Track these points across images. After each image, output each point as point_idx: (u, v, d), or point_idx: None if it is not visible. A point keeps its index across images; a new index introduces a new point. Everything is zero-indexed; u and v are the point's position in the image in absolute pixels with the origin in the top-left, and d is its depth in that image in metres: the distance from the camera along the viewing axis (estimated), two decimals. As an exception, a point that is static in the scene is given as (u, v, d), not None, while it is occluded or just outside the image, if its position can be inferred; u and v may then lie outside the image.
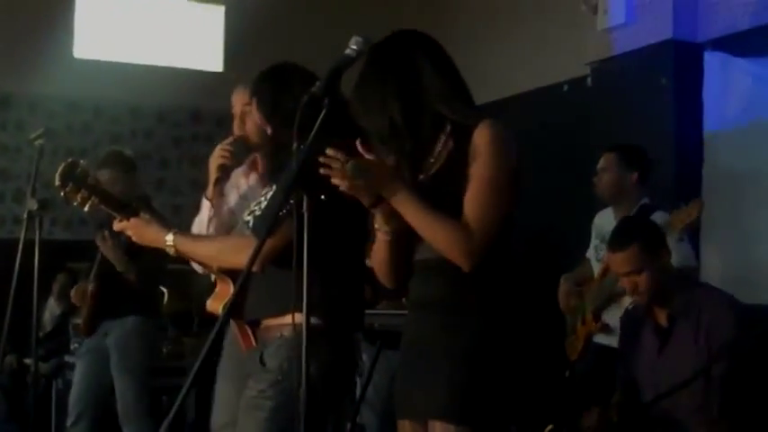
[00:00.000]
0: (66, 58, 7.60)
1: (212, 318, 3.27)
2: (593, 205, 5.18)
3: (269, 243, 2.50)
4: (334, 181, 2.37)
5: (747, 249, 5.25)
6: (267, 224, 2.42)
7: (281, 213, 2.46)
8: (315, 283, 2.38)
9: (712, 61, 5.62)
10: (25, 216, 3.91)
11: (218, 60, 8.20)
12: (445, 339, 2.56)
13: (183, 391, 2.27)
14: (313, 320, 2.43)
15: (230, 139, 3.44)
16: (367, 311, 5.12)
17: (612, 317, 4.67)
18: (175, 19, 8.15)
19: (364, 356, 5.43)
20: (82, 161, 3.23)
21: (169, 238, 3.06)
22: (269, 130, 3.14)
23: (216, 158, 3.44)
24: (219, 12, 8.21)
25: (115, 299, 5.16)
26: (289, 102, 2.95)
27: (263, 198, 3.09)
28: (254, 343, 3.08)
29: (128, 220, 3.17)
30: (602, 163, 4.91)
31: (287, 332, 2.87)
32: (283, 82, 3.10)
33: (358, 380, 5.43)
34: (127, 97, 7.80)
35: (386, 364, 5.23)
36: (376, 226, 2.59)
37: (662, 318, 3.67)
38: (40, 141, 4.02)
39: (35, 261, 3.94)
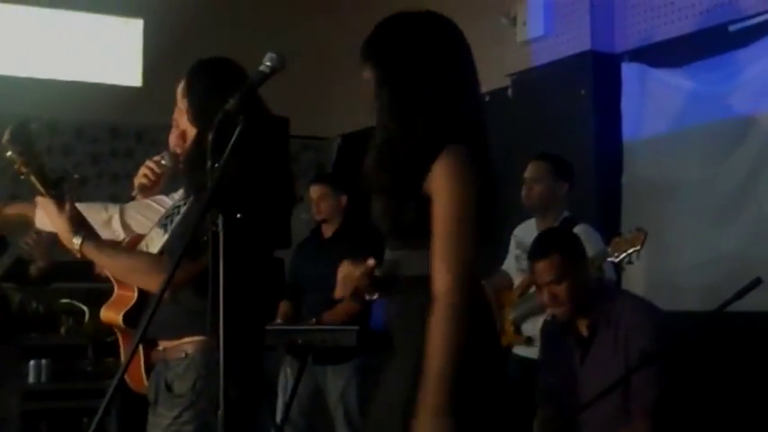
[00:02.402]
0: (-22, 75, 7.46)
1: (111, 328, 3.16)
2: (513, 215, 5.20)
3: (184, 268, 2.43)
4: None
5: (667, 257, 5.31)
6: (181, 248, 2.34)
7: (203, 239, 2.40)
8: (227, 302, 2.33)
9: (630, 72, 5.69)
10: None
11: (136, 75, 8.10)
12: (399, 362, 2.55)
13: (99, 413, 2.23)
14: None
15: (160, 155, 3.27)
16: (291, 327, 5.14)
17: (534, 328, 4.68)
18: (93, 33, 8.03)
19: (288, 371, 5.39)
20: (33, 125, 3.04)
21: (77, 240, 2.91)
22: (192, 132, 2.97)
23: (138, 177, 3.29)
24: (138, 25, 8.12)
25: None
26: (220, 103, 2.86)
27: (177, 208, 3.01)
28: (143, 378, 2.98)
29: (50, 200, 2.97)
30: (532, 172, 4.88)
31: (190, 350, 2.82)
32: (218, 80, 2.93)
33: (281, 395, 5.39)
34: (44, 113, 7.67)
35: (309, 379, 5.20)
36: None
37: (583, 328, 3.69)
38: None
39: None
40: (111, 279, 3.12)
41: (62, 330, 7.23)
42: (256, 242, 2.80)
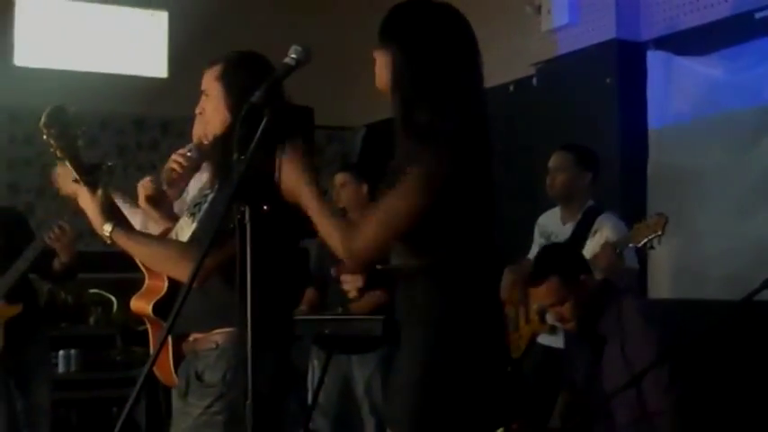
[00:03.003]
0: (6, 67, 7.49)
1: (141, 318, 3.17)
2: (538, 205, 5.20)
3: (212, 255, 2.43)
4: None
5: (693, 245, 5.29)
6: (208, 238, 2.36)
7: (229, 226, 2.40)
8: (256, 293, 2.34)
9: (655, 60, 5.67)
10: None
11: (162, 66, 8.12)
12: (407, 350, 2.55)
13: (129, 402, 2.25)
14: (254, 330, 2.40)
15: (187, 148, 3.24)
16: (317, 317, 5.16)
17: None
18: (118, 25, 8.06)
19: (315, 362, 5.42)
20: (71, 109, 3.06)
21: (107, 227, 2.90)
22: (218, 120, 2.98)
23: (166, 169, 3.26)
24: (163, 17, 8.14)
25: None
26: None
27: (205, 196, 3.02)
28: (171, 372, 3.01)
29: (84, 185, 2.99)
30: (556, 162, 4.90)
31: (221, 341, 2.84)
32: (259, 71, 2.89)
33: (309, 386, 5.42)
34: (71, 105, 7.70)
35: (336, 369, 5.22)
36: None
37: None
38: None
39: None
40: (142, 268, 3.14)
41: (91, 320, 7.29)
42: (282, 233, 2.81)
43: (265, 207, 2.33)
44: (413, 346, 2.52)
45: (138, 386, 2.23)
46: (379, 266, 2.58)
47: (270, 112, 2.32)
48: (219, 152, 2.93)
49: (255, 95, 2.35)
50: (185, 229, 3.02)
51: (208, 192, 3.05)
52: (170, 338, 2.96)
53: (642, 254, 4.74)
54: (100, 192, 2.98)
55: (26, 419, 5.09)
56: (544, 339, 4.82)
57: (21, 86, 7.40)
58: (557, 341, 4.67)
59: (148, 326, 3.17)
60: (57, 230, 4.70)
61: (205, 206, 2.99)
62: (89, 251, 5.18)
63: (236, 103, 2.87)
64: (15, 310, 4.89)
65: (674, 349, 3.54)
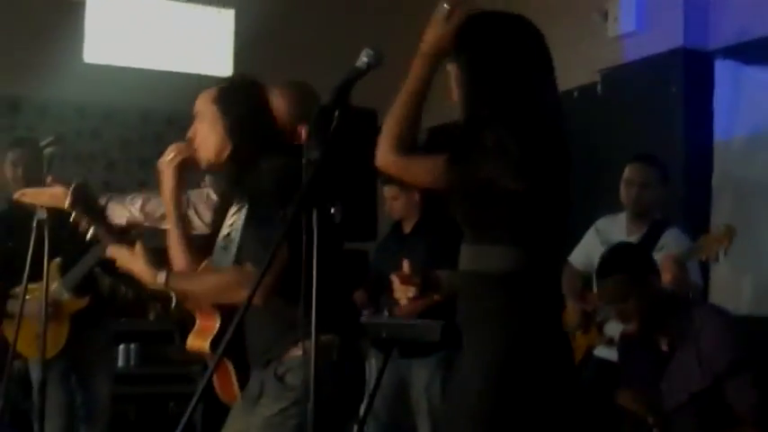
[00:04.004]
0: (76, 63, 7.59)
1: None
2: (599, 214, 5.15)
3: (270, 273, 2.45)
4: None
5: (759, 260, 5.22)
6: (270, 252, 2.36)
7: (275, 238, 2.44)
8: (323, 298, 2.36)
9: (723, 69, 5.61)
10: (34, 225, 3.87)
11: (227, 64, 8.18)
12: (472, 353, 2.55)
13: (189, 409, 2.27)
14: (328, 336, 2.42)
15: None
16: (375, 321, 5.16)
17: (617, 329, 4.64)
18: (185, 23, 8.14)
19: (372, 363, 5.41)
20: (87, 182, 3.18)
21: (161, 278, 2.92)
22: (229, 146, 3.01)
23: (170, 160, 3.17)
24: (229, 15, 8.19)
25: None
26: (257, 116, 2.97)
27: (231, 225, 3.03)
28: (237, 394, 3.02)
29: (121, 247, 3.04)
30: (640, 177, 4.80)
31: (310, 348, 2.85)
32: (252, 97, 3.05)
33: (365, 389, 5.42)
34: (137, 102, 7.79)
35: (393, 373, 5.21)
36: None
37: (662, 343, 3.66)
38: (50, 149, 3.98)
39: (44, 270, 3.92)
40: (193, 311, 3.15)
41: (150, 316, 7.35)
42: (343, 236, 2.83)
43: (333, 210, 2.34)
44: (481, 351, 2.52)
45: (194, 400, 2.26)
46: (448, 271, 2.59)
47: (339, 116, 2.33)
48: (232, 179, 3.00)
49: (327, 99, 2.36)
50: (223, 261, 3.03)
51: (234, 219, 3.05)
52: (232, 367, 3.02)
53: (705, 269, 4.67)
54: (138, 247, 3.01)
55: (85, 413, 5.15)
56: (601, 352, 4.77)
57: (89, 82, 7.50)
58: (613, 354, 4.63)
59: (210, 365, 3.17)
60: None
61: (238, 230, 2.99)
62: (149, 247, 5.22)
63: (232, 125, 2.97)
64: (82, 303, 4.96)
65: (755, 359, 3.51)
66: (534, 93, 2.56)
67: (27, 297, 4.08)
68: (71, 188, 3.13)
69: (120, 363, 6.91)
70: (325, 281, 2.31)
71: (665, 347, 3.64)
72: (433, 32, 2.55)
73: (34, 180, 4.23)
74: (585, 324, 4.78)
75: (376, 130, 2.99)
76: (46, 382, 4.19)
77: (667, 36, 5.78)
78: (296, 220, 2.30)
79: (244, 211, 3.00)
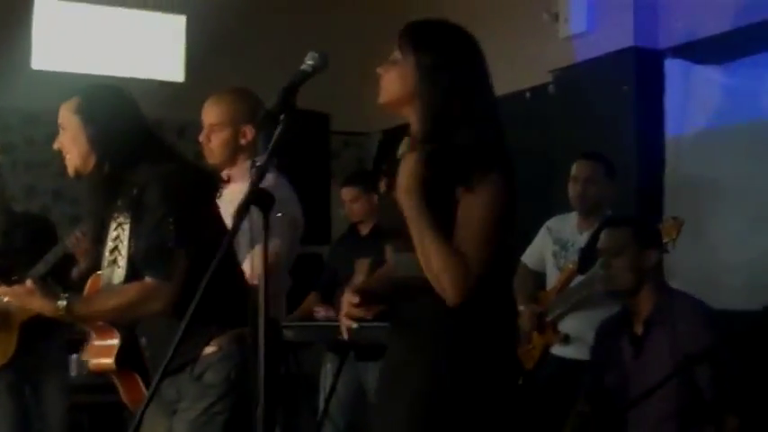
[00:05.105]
0: (24, 70, 7.51)
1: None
2: (552, 213, 5.16)
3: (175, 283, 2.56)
4: None
5: (709, 255, 5.26)
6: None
7: (167, 245, 2.63)
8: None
9: (673, 68, 5.65)
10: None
11: (179, 70, 8.13)
12: (412, 366, 2.55)
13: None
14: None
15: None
16: (331, 323, 5.14)
17: (571, 326, 4.67)
18: (136, 29, 8.07)
19: (328, 367, 5.39)
20: None
21: (61, 304, 2.85)
22: (93, 158, 2.99)
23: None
24: (181, 21, 8.14)
25: None
26: (120, 124, 2.96)
27: (117, 238, 2.95)
28: (144, 392, 2.99)
29: (11, 287, 2.98)
30: (585, 173, 4.81)
31: (224, 343, 2.85)
32: (115, 103, 3.04)
33: (321, 392, 5.40)
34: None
35: (350, 376, 5.20)
36: None
37: (638, 326, 3.70)
38: (-1, 157, 3.92)
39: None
40: (89, 331, 3.10)
41: (103, 324, 7.27)
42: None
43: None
44: (420, 356, 2.53)
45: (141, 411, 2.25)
46: (395, 277, 2.58)
47: (285, 120, 2.31)
48: (101, 182, 2.98)
49: (272, 102, 2.35)
50: (114, 277, 2.94)
51: (117, 232, 2.96)
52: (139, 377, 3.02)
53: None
54: (29, 283, 2.94)
55: (40, 425, 5.08)
56: (558, 350, 4.79)
57: (38, 90, 7.41)
58: (570, 352, 4.65)
59: (116, 379, 3.12)
60: (78, 235, 4.70)
61: (124, 243, 2.92)
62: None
63: (95, 135, 2.96)
64: (32, 312, 4.89)
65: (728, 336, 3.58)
66: (492, 95, 2.61)
67: None
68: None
69: (73, 372, 6.81)
70: (227, 278, 2.32)
71: (639, 331, 3.68)
72: (405, 170, 2.49)
73: None
74: (539, 325, 4.79)
75: (328, 134, 2.97)
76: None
77: (618, 36, 5.81)
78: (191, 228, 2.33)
79: (127, 224, 2.93)
